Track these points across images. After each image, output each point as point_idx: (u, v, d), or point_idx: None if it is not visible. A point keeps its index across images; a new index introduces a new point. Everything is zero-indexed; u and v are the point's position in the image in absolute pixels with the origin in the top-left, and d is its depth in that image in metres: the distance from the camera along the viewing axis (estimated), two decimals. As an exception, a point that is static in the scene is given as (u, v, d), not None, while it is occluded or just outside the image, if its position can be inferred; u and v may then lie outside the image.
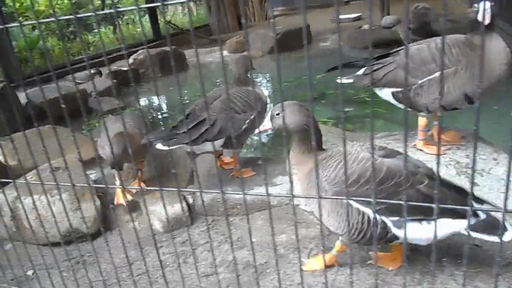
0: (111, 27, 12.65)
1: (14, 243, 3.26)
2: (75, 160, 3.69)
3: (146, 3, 12.32)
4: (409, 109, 2.76)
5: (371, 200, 1.06)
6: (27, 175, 3.58)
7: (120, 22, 12.70)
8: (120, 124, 2.72)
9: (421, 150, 2.77)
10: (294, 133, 2.01)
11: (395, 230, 1.87)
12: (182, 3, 1.34)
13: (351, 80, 2.83)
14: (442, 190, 1.82)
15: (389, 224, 1.86)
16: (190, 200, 3.26)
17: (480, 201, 1.99)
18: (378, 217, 1.85)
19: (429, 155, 2.74)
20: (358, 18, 11.05)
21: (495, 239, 1.81)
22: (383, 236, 1.89)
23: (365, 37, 8.52)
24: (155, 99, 7.50)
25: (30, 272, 2.86)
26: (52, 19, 1.28)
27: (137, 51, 8.96)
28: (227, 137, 2.97)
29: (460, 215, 1.81)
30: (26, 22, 1.43)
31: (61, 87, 6.86)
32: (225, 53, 9.66)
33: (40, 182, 1.81)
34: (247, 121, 3.03)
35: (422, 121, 2.73)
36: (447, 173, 2.60)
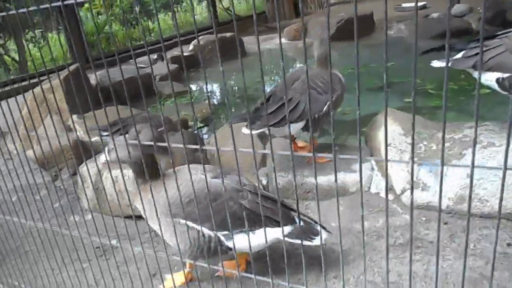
0: (170, 14, 12.91)
1: (95, 214, 3.45)
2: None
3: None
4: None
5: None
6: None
7: (179, 9, 12.93)
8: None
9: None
10: (129, 165, 2.14)
11: (226, 243, 2.08)
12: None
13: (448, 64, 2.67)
14: (263, 204, 2.07)
15: (222, 238, 2.08)
16: (264, 182, 3.26)
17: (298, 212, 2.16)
18: (212, 233, 2.06)
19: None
20: (424, 7, 10.52)
21: (308, 242, 2.06)
22: (218, 249, 2.08)
23: (432, 26, 8.10)
24: (215, 85, 7.58)
25: (114, 241, 2.99)
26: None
27: (195, 37, 9.08)
28: (308, 119, 2.92)
29: (279, 224, 2.03)
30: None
31: (126, 70, 7.12)
32: (283, 40, 9.57)
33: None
34: (328, 103, 2.96)
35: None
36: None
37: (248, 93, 6.52)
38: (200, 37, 8.82)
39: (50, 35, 10.64)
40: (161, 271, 2.45)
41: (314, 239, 2.06)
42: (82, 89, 5.19)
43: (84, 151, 4.03)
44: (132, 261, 2.66)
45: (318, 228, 2.11)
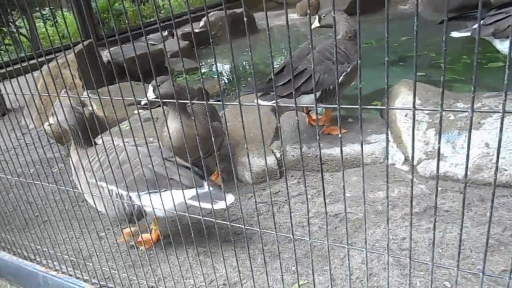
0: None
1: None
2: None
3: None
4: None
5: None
6: (121, 124, 3.79)
7: (189, -14, 12.75)
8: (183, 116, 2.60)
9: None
10: (69, 130, 2.35)
11: (137, 202, 2.20)
12: None
13: (467, 33, 2.61)
14: (171, 168, 2.18)
15: (133, 198, 2.20)
16: (278, 155, 3.26)
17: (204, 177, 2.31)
18: (125, 193, 2.20)
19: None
20: (439, -20, 10.23)
21: (207, 205, 2.07)
22: (132, 211, 2.21)
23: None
24: (227, 61, 7.53)
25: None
26: None
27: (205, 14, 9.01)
28: (323, 90, 2.89)
29: (186, 187, 2.16)
30: None
31: (137, 47, 7.11)
32: (295, 15, 9.42)
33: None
34: (344, 74, 2.92)
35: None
36: None
37: (259, 69, 6.49)
38: (211, 13, 8.72)
39: (60, 13, 10.61)
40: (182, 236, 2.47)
41: (217, 203, 2.14)
42: (94, 66, 5.21)
43: (99, 125, 4.07)
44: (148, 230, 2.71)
45: (225, 195, 2.19)
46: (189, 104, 1.33)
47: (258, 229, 1.39)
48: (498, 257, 1.98)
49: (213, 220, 1.49)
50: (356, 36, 3.03)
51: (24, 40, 8.97)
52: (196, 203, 2.09)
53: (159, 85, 2.54)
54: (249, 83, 6.05)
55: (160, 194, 1.91)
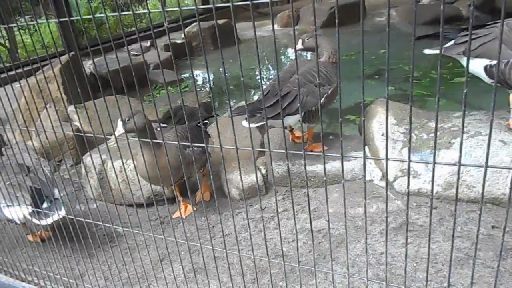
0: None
1: (99, 203, 3.56)
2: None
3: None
4: (499, 85, 2.72)
5: None
6: (109, 141, 3.85)
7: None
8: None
9: (512, 130, 2.74)
10: None
11: (3, 211, 2.63)
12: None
13: (438, 51, 2.81)
14: (17, 187, 2.53)
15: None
16: (263, 171, 3.41)
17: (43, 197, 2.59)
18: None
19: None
20: (413, -8, 10.63)
21: (36, 221, 2.55)
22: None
23: (423, 12, 8.22)
24: (209, 72, 7.63)
25: (120, 229, 3.12)
26: None
27: (188, 24, 9.11)
28: (306, 111, 3.05)
29: (27, 205, 2.52)
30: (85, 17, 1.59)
31: (120, 58, 7.13)
32: (276, 27, 9.61)
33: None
34: (325, 95, 3.09)
35: (513, 99, 2.69)
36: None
37: (241, 81, 6.62)
38: (194, 24, 8.82)
39: (39, 21, 10.47)
40: (169, 255, 2.58)
41: (43, 219, 2.51)
42: (77, 79, 5.22)
43: (83, 142, 4.11)
44: (140, 247, 2.80)
45: (58, 210, 2.50)
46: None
47: (252, 255, 1.51)
48: (468, 270, 2.17)
49: (217, 246, 1.61)
50: (336, 61, 3.22)
51: (2, 50, 8.86)
52: (34, 220, 2.54)
53: (129, 120, 2.51)
54: (234, 100, 6.17)
55: (14, 207, 2.43)
